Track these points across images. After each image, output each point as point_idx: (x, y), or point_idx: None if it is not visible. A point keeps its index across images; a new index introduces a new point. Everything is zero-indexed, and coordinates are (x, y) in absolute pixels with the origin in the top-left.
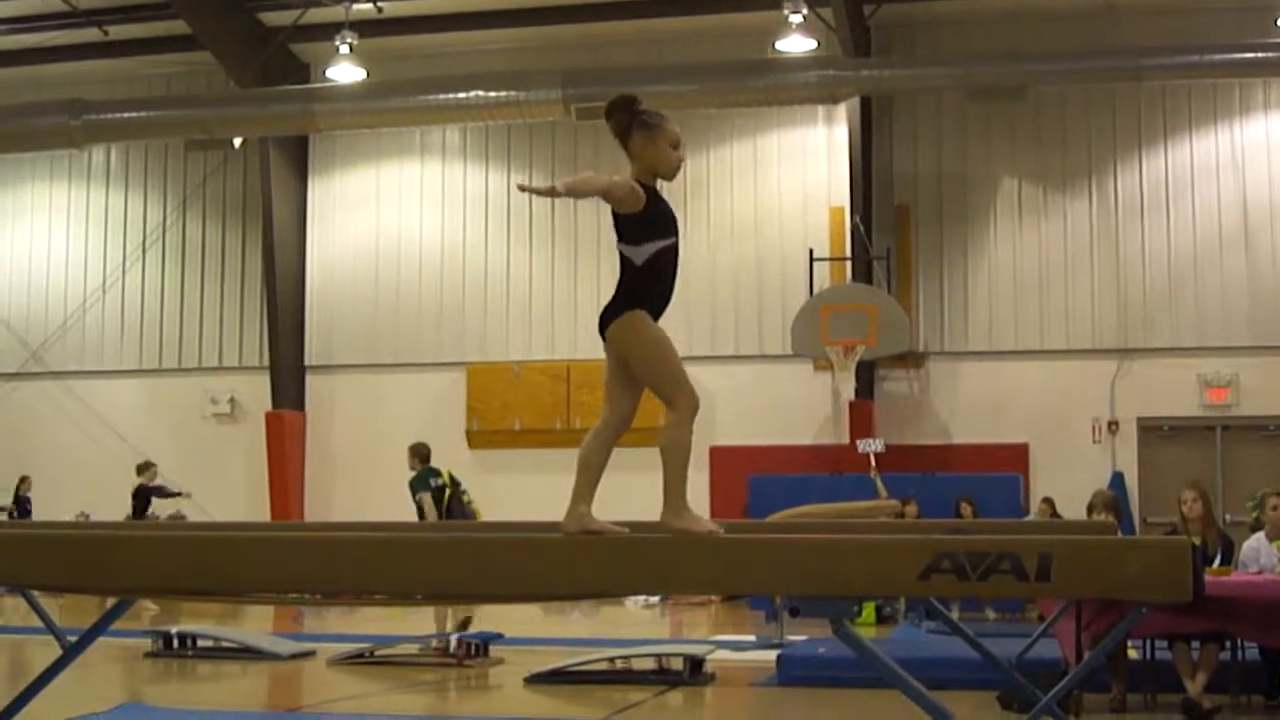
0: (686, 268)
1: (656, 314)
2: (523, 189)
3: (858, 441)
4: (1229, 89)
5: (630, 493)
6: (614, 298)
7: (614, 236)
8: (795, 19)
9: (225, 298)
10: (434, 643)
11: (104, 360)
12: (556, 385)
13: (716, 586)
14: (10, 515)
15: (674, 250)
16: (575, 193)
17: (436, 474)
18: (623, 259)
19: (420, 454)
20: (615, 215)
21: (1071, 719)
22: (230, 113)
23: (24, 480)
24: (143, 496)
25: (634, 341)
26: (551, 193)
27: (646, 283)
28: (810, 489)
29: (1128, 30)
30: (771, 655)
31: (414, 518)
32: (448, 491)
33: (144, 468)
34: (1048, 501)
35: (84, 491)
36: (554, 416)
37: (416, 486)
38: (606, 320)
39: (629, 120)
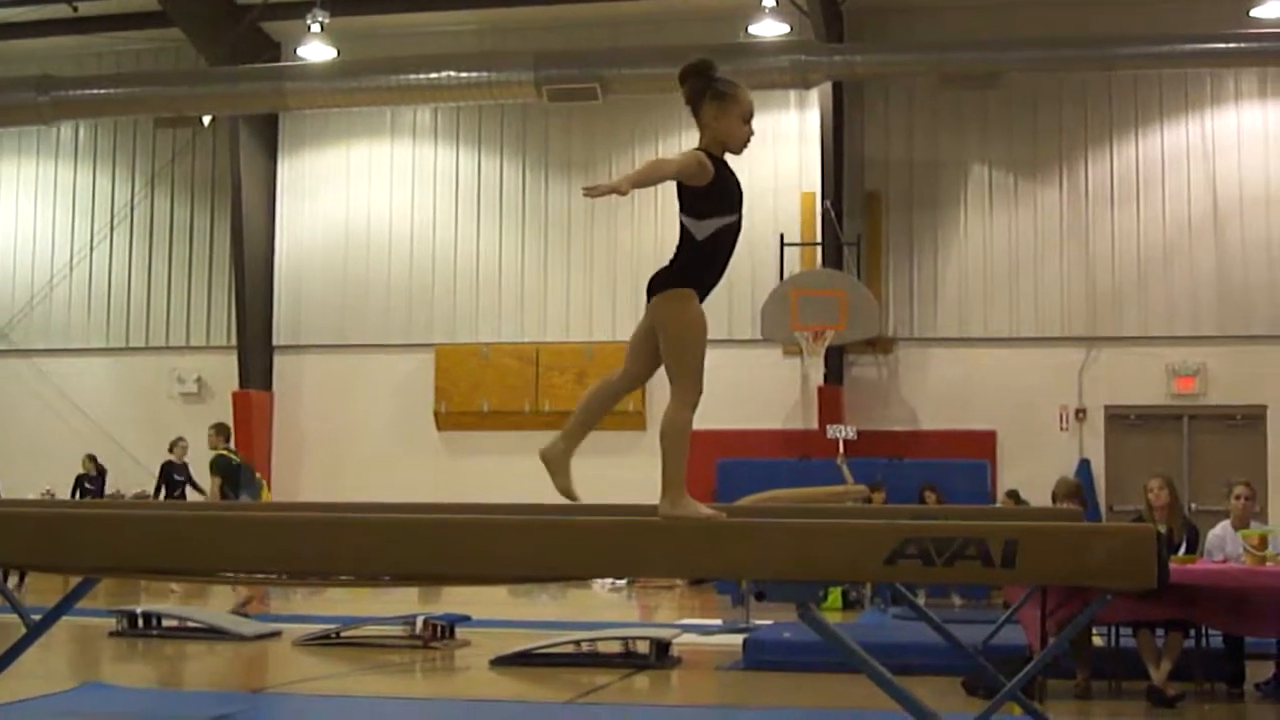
0: (656, 252)
1: (705, 294)
2: (589, 193)
3: (828, 427)
4: (1200, 79)
5: (608, 475)
6: (669, 267)
7: (579, 215)
8: (768, 3)
9: (193, 276)
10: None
11: (70, 338)
12: (525, 368)
13: (683, 570)
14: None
15: (736, 228)
16: (644, 185)
17: (234, 453)
18: (683, 230)
19: (224, 433)
20: (680, 186)
21: (1036, 705)
22: (200, 90)
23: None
24: (166, 474)
25: (673, 319)
26: (616, 191)
27: (703, 260)
28: (779, 474)
29: (1100, 19)
30: (738, 639)
31: (385, 498)
32: (252, 475)
33: (174, 444)
34: (1011, 495)
35: (49, 470)
36: (523, 399)
37: (218, 466)
38: (656, 287)
39: (702, 87)
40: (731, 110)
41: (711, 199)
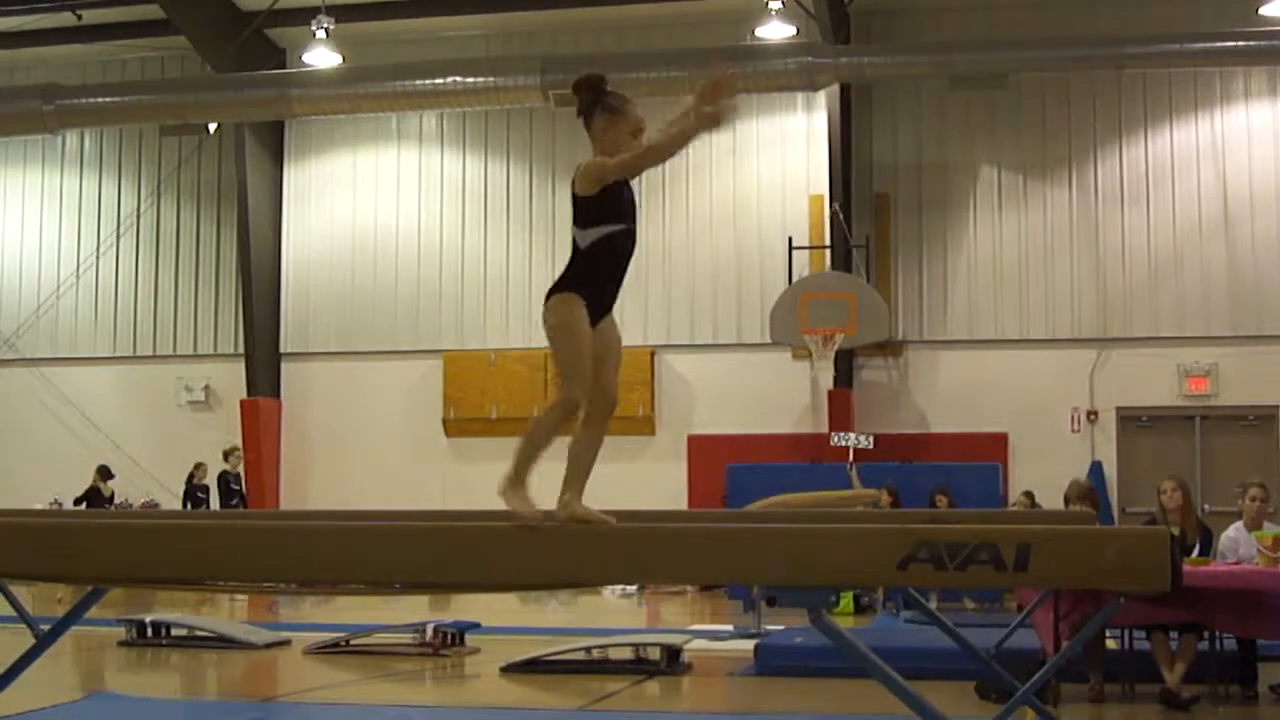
0: (665, 255)
1: (598, 302)
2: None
3: (834, 435)
4: (1209, 78)
5: (616, 479)
6: (556, 280)
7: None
8: (774, 5)
9: (200, 284)
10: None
11: (78, 347)
12: (533, 374)
13: (694, 576)
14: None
15: (624, 236)
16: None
17: None
18: (572, 241)
19: None
20: (572, 196)
21: (1049, 709)
22: (205, 98)
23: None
24: (227, 486)
25: (551, 320)
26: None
27: (586, 268)
28: (789, 478)
29: (1108, 18)
30: (749, 645)
31: (394, 505)
32: None
33: (229, 453)
34: (1028, 495)
35: (57, 479)
36: (531, 405)
37: None
38: (547, 297)
39: (594, 101)
40: (620, 124)
41: (596, 208)
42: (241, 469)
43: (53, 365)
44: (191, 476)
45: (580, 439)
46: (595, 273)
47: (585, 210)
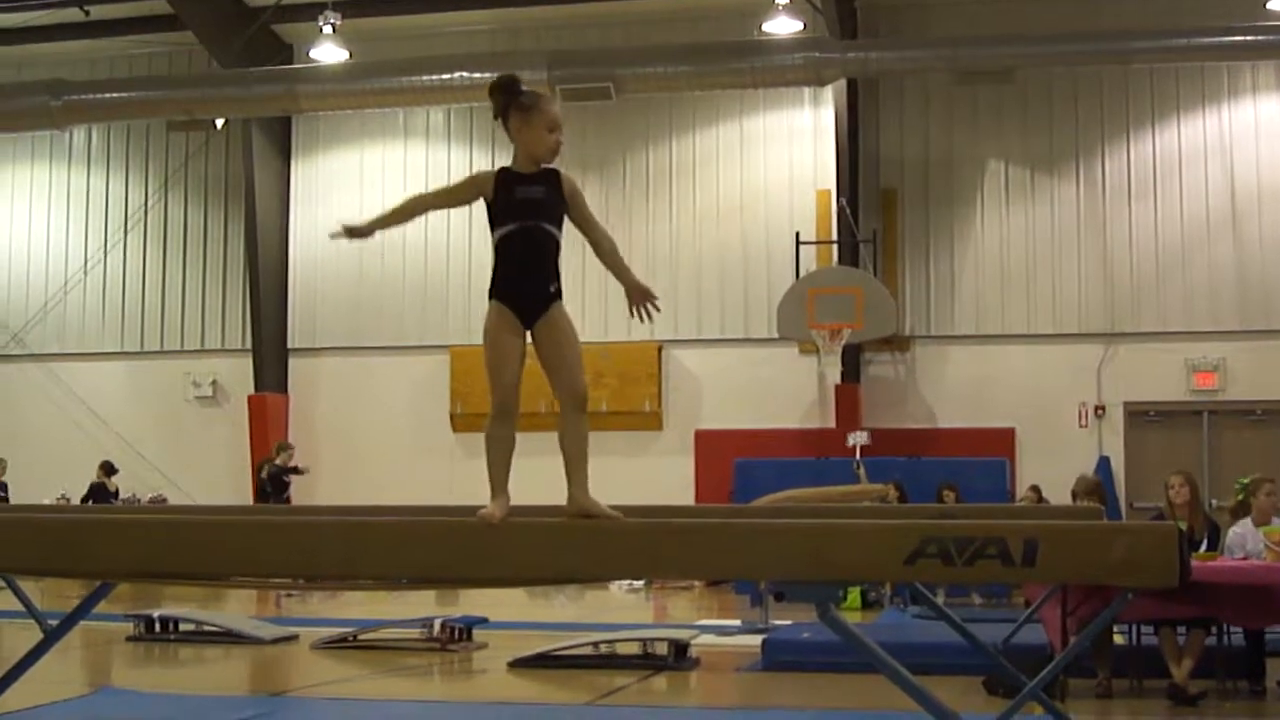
0: (672, 250)
1: (516, 299)
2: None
3: (848, 435)
4: (1216, 72)
5: (624, 474)
6: None
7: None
8: (782, 0)
9: (207, 280)
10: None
11: (85, 343)
12: (539, 368)
13: (701, 571)
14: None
15: (517, 234)
16: (397, 221)
17: None
18: None
19: None
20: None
21: (1057, 704)
22: (212, 93)
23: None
24: (278, 479)
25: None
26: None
27: (499, 267)
28: (796, 473)
29: (1115, 13)
30: (757, 640)
31: (401, 500)
32: None
33: (282, 448)
34: (1035, 490)
35: (64, 475)
36: (538, 400)
37: None
38: None
39: (507, 102)
40: (535, 121)
41: (493, 213)
42: (294, 463)
43: (61, 361)
44: (261, 468)
45: (564, 435)
46: (504, 274)
47: (488, 217)
